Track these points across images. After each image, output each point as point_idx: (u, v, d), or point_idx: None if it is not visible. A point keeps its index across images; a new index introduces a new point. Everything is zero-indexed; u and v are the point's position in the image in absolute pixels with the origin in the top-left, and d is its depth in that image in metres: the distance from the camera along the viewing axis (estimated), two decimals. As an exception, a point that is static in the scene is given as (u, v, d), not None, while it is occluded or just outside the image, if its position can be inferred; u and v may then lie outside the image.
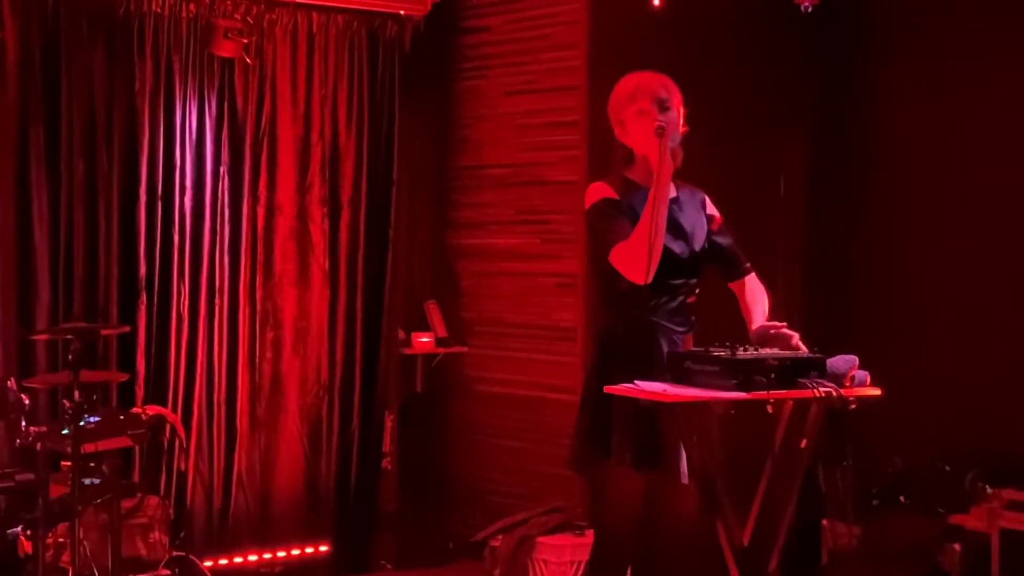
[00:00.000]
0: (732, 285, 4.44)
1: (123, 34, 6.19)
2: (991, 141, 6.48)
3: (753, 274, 4.44)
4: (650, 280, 4.03)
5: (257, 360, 6.66)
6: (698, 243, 4.31)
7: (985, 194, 6.49)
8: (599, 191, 4.26)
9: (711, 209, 4.43)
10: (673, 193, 4.26)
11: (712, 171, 6.44)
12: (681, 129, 4.28)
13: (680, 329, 4.23)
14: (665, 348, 4.17)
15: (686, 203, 4.33)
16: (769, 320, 4.27)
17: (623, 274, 4.09)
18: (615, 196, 4.22)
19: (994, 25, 6.43)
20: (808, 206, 7.18)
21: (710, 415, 4.03)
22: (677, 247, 4.21)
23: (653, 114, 4.19)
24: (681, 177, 4.40)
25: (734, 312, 4.42)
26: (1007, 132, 6.40)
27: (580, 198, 6.38)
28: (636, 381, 4.00)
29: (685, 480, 4.10)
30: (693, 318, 4.29)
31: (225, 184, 6.53)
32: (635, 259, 4.04)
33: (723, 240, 4.40)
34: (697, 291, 4.31)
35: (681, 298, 4.24)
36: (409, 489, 7.14)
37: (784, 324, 4.17)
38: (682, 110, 4.30)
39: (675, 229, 4.20)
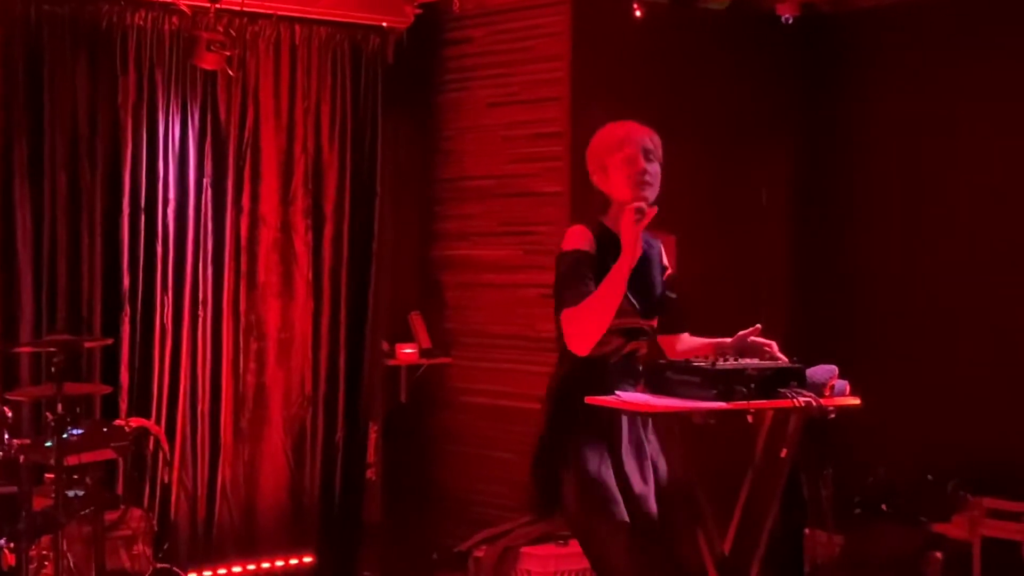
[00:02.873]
0: (662, 339, 4.35)
1: (106, 47, 6.20)
2: (973, 150, 6.52)
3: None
4: (587, 353, 4.02)
5: (241, 371, 6.66)
6: (654, 296, 4.25)
7: (967, 203, 6.54)
8: (577, 239, 4.14)
9: (665, 261, 4.36)
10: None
11: (695, 182, 6.53)
12: (658, 184, 4.18)
13: (630, 381, 4.16)
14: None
15: (651, 257, 4.24)
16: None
17: (565, 336, 4.05)
18: (591, 249, 4.11)
19: (974, 35, 6.48)
20: (790, 216, 7.22)
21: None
22: (638, 302, 4.13)
23: (639, 163, 4.11)
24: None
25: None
26: (990, 141, 6.45)
27: (564, 208, 6.48)
28: (617, 392, 4.02)
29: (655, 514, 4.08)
30: (640, 368, 4.19)
31: (208, 196, 6.54)
32: (582, 330, 4.00)
33: (671, 294, 4.33)
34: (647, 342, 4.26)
35: (633, 351, 4.18)
36: (393, 500, 7.14)
37: (759, 327, 4.18)
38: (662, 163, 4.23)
39: (641, 285, 4.13)
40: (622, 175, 4.17)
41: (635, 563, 4.08)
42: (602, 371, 4.13)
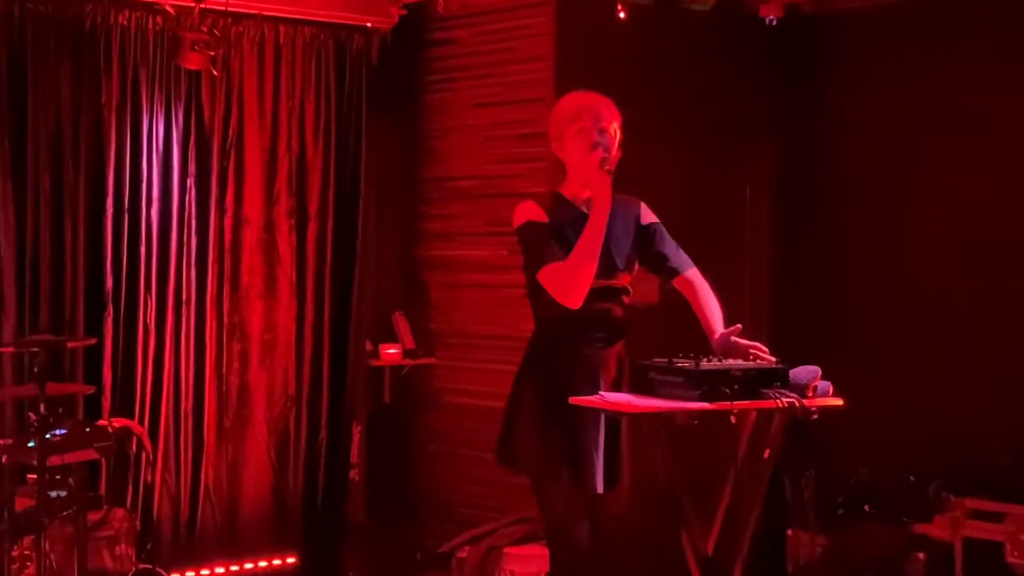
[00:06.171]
0: (676, 282, 4.40)
1: (90, 47, 6.18)
2: (956, 151, 6.53)
3: (696, 269, 4.41)
4: (580, 304, 4.08)
5: (224, 372, 6.65)
6: (621, 257, 4.28)
7: (951, 203, 6.55)
8: (525, 213, 4.25)
9: (646, 217, 4.39)
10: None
11: (678, 183, 6.53)
12: (615, 153, 4.26)
13: (600, 341, 4.22)
14: (581, 358, 4.18)
15: (616, 216, 4.28)
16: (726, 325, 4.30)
17: (552, 295, 4.11)
18: (542, 218, 4.21)
19: (957, 36, 6.50)
20: (774, 217, 7.23)
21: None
22: (601, 261, 4.17)
23: (593, 136, 4.19)
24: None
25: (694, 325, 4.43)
26: (972, 142, 6.46)
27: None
28: (601, 392, 4.03)
29: (600, 490, 4.13)
30: (619, 329, 4.26)
31: (192, 196, 6.53)
32: (566, 284, 4.08)
33: (660, 246, 4.37)
34: (625, 302, 4.29)
35: (601, 308, 4.22)
36: (377, 500, 7.13)
37: (739, 327, 4.20)
38: (619, 134, 4.29)
39: (605, 245, 4.18)
40: (576, 147, 4.24)
41: (573, 515, 4.16)
42: (559, 329, 4.20)
